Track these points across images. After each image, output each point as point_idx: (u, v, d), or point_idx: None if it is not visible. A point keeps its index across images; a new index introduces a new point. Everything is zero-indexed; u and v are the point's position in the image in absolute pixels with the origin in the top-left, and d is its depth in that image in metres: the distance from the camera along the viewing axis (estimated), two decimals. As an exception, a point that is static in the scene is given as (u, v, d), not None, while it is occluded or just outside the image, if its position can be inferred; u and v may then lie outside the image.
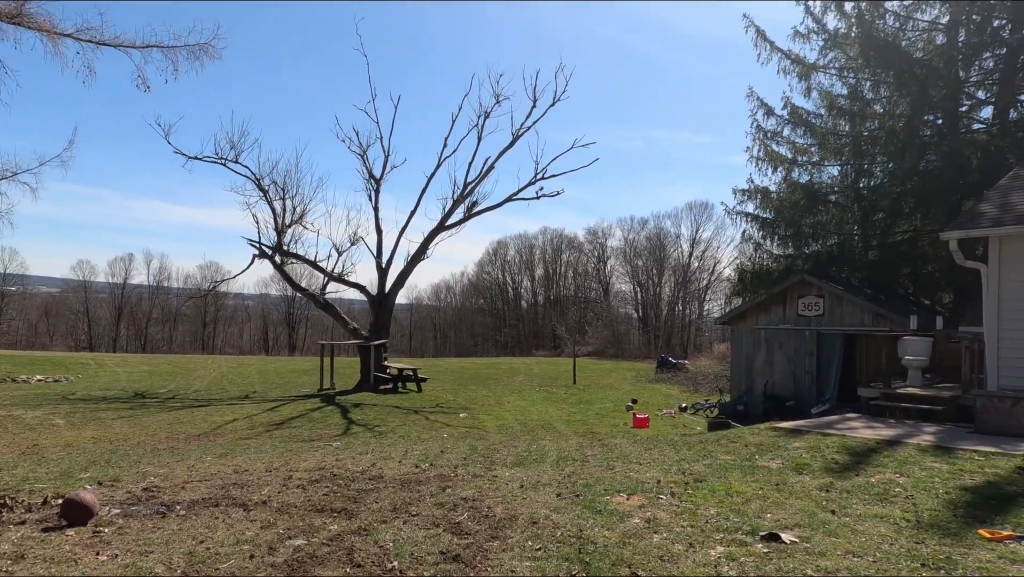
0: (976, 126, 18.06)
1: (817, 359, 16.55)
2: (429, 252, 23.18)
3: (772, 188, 19.55)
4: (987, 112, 18.15)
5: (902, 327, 14.75)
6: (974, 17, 16.35)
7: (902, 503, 5.12)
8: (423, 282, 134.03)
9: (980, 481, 5.85)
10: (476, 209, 22.95)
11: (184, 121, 27.03)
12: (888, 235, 17.81)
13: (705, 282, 68.15)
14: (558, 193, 23.18)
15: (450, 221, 23.09)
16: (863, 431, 8.64)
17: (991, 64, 17.42)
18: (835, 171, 18.58)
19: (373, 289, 23.35)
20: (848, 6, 17.28)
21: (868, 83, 18.19)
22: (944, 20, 17.45)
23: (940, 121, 17.45)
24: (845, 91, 18.58)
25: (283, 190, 23.24)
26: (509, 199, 23.07)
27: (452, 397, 20.30)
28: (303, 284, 30.61)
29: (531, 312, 79.17)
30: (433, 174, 23.73)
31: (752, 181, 19.01)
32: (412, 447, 9.02)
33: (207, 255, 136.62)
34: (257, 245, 22.90)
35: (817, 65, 18.82)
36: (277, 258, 23.30)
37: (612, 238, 72.53)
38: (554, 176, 22.86)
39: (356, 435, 12.56)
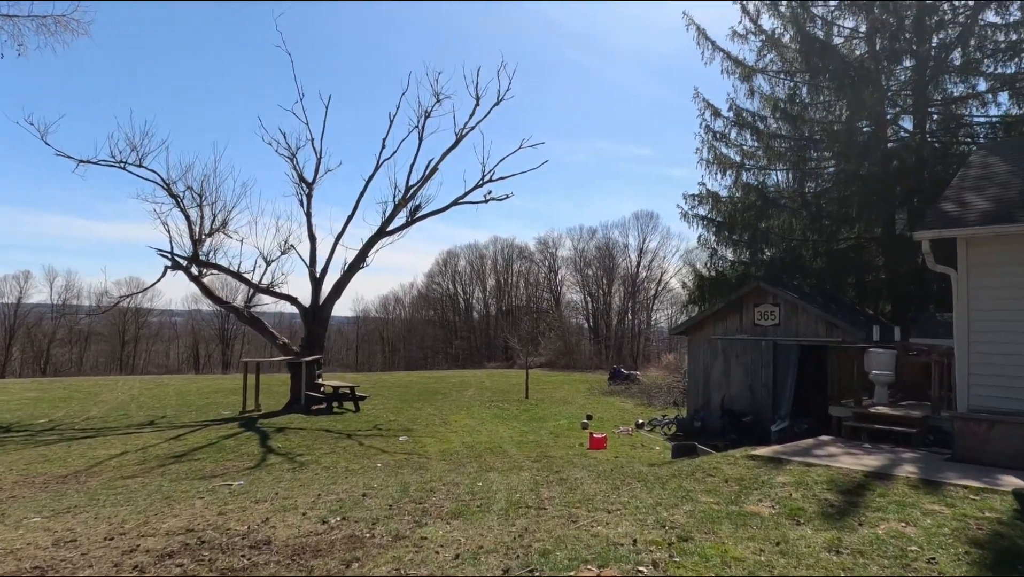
0: (903, 134, 17.97)
1: (774, 371, 15.86)
2: (368, 260, 21.57)
3: (723, 192, 18.99)
4: (908, 122, 18.10)
5: (853, 337, 14.17)
6: (890, 24, 16.21)
7: (926, 571, 4.09)
8: (370, 294, 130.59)
9: (988, 531, 5.03)
10: (420, 213, 21.52)
11: (77, 124, 24.54)
12: (833, 242, 17.42)
13: (653, 292, 68.62)
14: (507, 196, 22.04)
15: (391, 226, 21.57)
16: (844, 459, 7.72)
17: (904, 76, 17.35)
18: (782, 175, 18.17)
19: (307, 301, 21.52)
20: (782, 6, 16.94)
21: (806, 86, 17.83)
22: (863, 28, 17.32)
23: (873, 127, 17.23)
24: (784, 93, 18.20)
25: (200, 196, 21.31)
26: (455, 203, 21.76)
27: (393, 417, 18.67)
28: (237, 298, 28.35)
29: (483, 323, 77.81)
30: (371, 177, 22.21)
31: (704, 185, 18.40)
32: (330, 487, 7.53)
33: (108, 270, 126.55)
34: (169, 256, 20.77)
35: (756, 67, 18.41)
36: (194, 269, 21.20)
37: (562, 248, 72.28)
38: (503, 178, 21.75)
39: (270, 468, 10.87)
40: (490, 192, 22.07)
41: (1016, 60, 15.12)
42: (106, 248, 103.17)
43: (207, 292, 22.37)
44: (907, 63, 16.45)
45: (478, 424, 17.87)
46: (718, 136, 18.19)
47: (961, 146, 15.37)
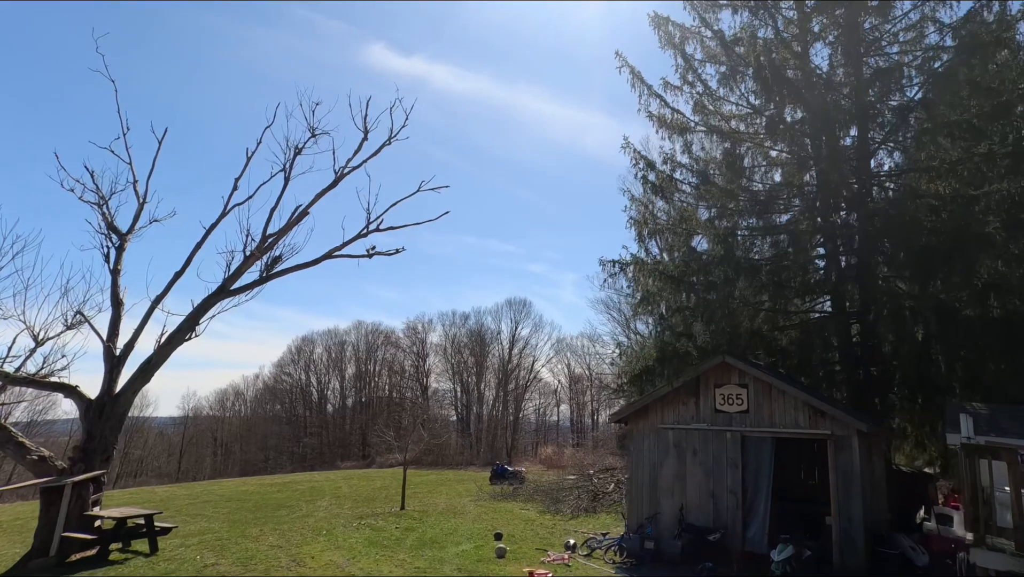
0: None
1: (743, 472, 12.58)
2: (200, 328, 15.70)
3: (646, 258, 16.42)
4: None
5: (846, 430, 11.43)
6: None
7: None
8: (205, 388, 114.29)
9: None
10: (280, 267, 16.33)
11: None
12: (783, 316, 15.24)
13: (524, 381, 65.89)
14: (397, 251, 17.67)
15: (238, 284, 16.10)
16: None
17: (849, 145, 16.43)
18: (731, 236, 15.94)
19: (99, 390, 14.79)
20: (738, 50, 15.29)
21: (755, 139, 15.94)
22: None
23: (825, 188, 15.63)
24: (724, 150, 16.40)
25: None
26: (329, 255, 16.91)
27: (213, 559, 12.48)
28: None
29: (338, 417, 69.79)
30: (216, 224, 16.81)
31: (644, 246, 15.65)
32: None
33: None
34: None
35: (691, 123, 16.54)
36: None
37: (433, 333, 67.78)
38: (392, 228, 17.42)
39: None
40: (374, 247, 17.62)
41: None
42: None
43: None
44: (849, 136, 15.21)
45: (347, 560, 12.40)
46: (655, 188, 15.73)
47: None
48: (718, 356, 12.93)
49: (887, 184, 14.11)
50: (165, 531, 13.44)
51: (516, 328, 65.12)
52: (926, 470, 15.05)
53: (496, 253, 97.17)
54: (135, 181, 17.67)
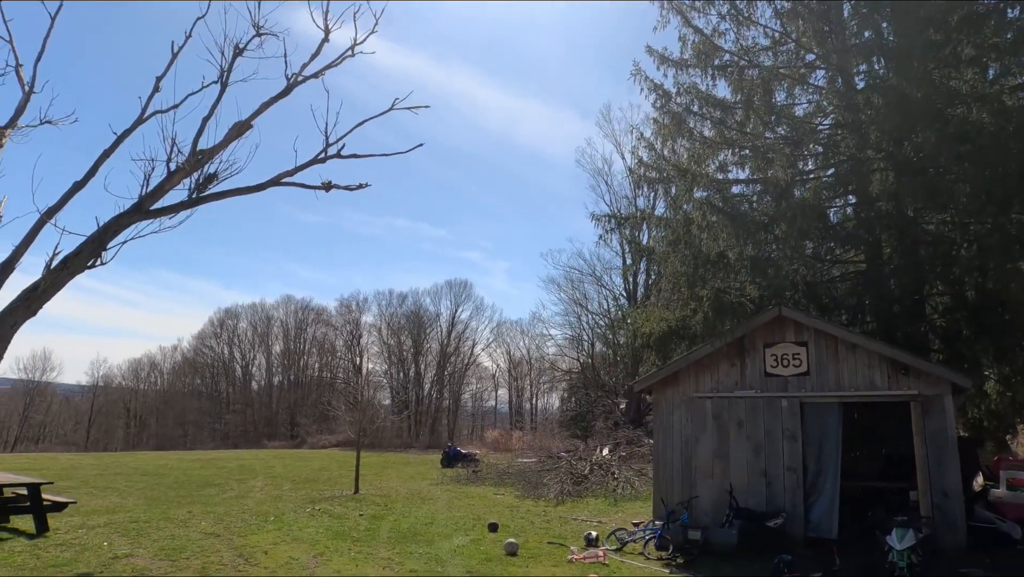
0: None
1: (803, 446, 10.55)
2: (108, 254, 11.95)
3: (659, 210, 14.24)
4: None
5: (935, 387, 9.64)
6: None
7: None
8: (117, 357, 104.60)
9: None
10: (215, 187, 12.77)
11: None
12: (832, 264, 13.42)
13: (464, 364, 63.26)
14: (360, 186, 14.33)
15: (160, 203, 12.48)
16: None
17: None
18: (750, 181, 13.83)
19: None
20: None
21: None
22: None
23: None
24: (756, 73, 14.05)
25: None
26: (277, 181, 13.20)
27: (127, 548, 9.17)
28: None
29: (264, 395, 64.92)
30: (131, 130, 12.62)
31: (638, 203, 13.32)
32: None
33: None
34: None
35: (712, 51, 14.18)
36: None
37: (368, 313, 63.49)
38: (355, 156, 14.10)
39: None
40: (331, 181, 14.32)
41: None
42: None
43: None
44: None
45: (313, 558, 9.45)
46: (676, 118, 13.34)
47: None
48: (772, 308, 10.78)
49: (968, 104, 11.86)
50: (59, 506, 10.05)
51: (456, 311, 62.07)
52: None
53: (428, 238, 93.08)
54: (19, 64, 13.55)
